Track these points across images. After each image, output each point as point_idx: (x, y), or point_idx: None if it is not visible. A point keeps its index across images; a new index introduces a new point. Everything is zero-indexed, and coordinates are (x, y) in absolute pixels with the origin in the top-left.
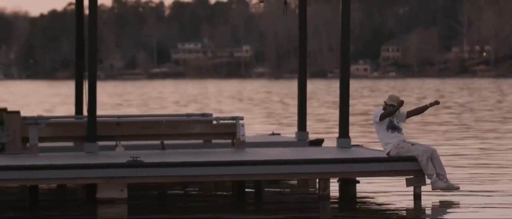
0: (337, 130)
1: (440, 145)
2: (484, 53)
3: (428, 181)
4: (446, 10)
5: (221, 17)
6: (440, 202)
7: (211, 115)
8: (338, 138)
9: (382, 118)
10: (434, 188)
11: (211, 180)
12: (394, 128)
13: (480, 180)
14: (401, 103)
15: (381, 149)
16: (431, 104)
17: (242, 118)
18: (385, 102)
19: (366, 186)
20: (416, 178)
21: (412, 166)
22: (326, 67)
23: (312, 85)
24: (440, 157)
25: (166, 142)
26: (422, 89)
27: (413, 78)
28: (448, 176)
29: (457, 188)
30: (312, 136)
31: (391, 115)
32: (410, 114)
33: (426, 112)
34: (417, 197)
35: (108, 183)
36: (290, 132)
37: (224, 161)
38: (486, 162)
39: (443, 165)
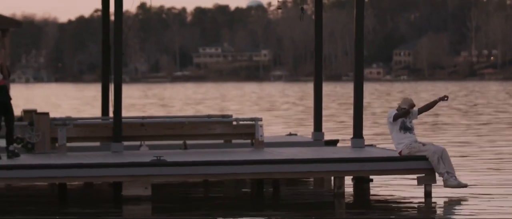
0: (351, 130)
1: (450, 144)
2: (492, 57)
3: (439, 179)
4: (456, 16)
5: (240, 22)
6: (449, 199)
7: (231, 116)
8: (352, 138)
9: (395, 118)
10: (446, 186)
11: (231, 178)
12: (406, 128)
13: (487, 178)
14: (412, 105)
15: (393, 148)
16: (440, 99)
17: (260, 119)
18: (399, 105)
19: (379, 184)
20: (427, 176)
21: (423, 165)
22: (341, 71)
23: (328, 88)
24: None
25: (188, 142)
26: (434, 92)
27: (424, 81)
28: (456, 174)
29: (466, 186)
30: (327, 136)
31: (404, 116)
32: (421, 110)
33: (436, 107)
34: (427, 194)
35: (133, 181)
36: (306, 133)
37: (244, 160)
38: (495, 160)
39: (452, 164)
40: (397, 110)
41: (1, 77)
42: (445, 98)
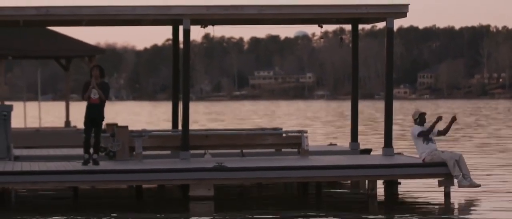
0: (382, 141)
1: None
2: (501, 79)
3: (455, 180)
4: (470, 44)
5: (289, 50)
6: (466, 199)
7: (281, 129)
8: (383, 147)
9: (422, 134)
10: (459, 186)
11: (281, 181)
12: (429, 139)
13: (499, 180)
14: (439, 118)
15: (418, 156)
16: (452, 122)
17: (306, 132)
18: (414, 119)
19: (406, 186)
20: (446, 179)
21: (443, 170)
22: (373, 91)
23: (362, 105)
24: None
25: (244, 150)
26: (452, 108)
27: (443, 99)
28: (472, 176)
29: (479, 185)
30: (362, 146)
31: (429, 132)
32: (440, 133)
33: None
34: (446, 195)
35: (198, 184)
36: (344, 143)
37: (292, 166)
38: (506, 164)
39: (468, 167)
40: (414, 121)
41: (97, 96)
42: (454, 119)
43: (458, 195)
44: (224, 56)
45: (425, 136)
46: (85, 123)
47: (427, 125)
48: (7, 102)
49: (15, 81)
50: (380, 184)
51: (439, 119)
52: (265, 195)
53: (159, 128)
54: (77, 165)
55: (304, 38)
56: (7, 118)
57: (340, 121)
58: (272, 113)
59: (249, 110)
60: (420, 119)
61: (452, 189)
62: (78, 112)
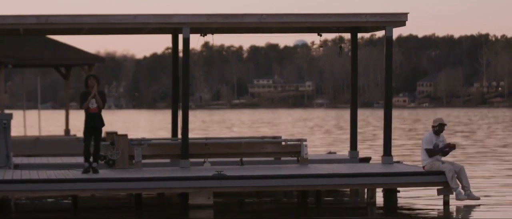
0: (381, 149)
1: (469, 163)
2: (500, 88)
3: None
4: (469, 53)
5: (288, 58)
6: (465, 207)
7: (280, 137)
8: (382, 156)
9: (427, 152)
10: (457, 199)
11: (281, 189)
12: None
13: (499, 190)
14: (453, 147)
15: (416, 164)
16: (450, 149)
17: (305, 140)
18: (433, 125)
19: (405, 195)
20: (445, 188)
21: (442, 179)
22: (373, 99)
23: (362, 113)
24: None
25: (244, 159)
26: (451, 117)
27: (443, 108)
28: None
29: (478, 198)
30: (361, 154)
31: (435, 154)
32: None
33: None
34: (446, 203)
35: (198, 192)
36: (343, 151)
37: (291, 174)
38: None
39: (468, 179)
40: (432, 127)
41: (95, 105)
42: (454, 148)
43: (458, 204)
44: (224, 64)
45: (435, 141)
46: (85, 132)
47: (442, 139)
48: (7, 111)
49: (15, 90)
50: (379, 192)
51: (452, 148)
52: (264, 204)
53: (159, 136)
54: (77, 173)
55: (304, 47)
56: (7, 126)
57: (340, 128)
58: (272, 121)
59: (249, 118)
60: (438, 128)
61: (452, 197)
62: (77, 120)
